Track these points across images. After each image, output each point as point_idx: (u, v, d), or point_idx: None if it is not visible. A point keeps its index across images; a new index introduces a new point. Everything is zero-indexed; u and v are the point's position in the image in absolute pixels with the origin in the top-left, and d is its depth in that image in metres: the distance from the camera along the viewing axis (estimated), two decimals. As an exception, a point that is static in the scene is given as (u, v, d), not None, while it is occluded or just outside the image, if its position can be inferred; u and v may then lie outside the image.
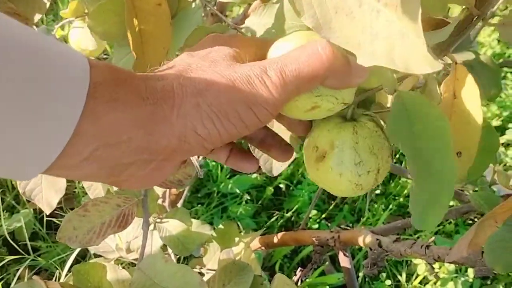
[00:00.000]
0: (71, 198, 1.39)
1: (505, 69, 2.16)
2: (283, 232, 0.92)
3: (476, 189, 0.81)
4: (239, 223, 1.48)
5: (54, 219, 1.35)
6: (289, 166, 1.53)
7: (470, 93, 0.44)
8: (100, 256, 0.91)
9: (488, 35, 2.03)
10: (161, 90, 0.30)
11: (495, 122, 1.88)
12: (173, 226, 0.72)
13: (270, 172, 0.52)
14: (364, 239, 0.77)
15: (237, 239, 0.88)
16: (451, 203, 1.36)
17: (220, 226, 0.90)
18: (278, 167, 0.52)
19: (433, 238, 0.62)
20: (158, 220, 0.73)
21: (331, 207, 1.58)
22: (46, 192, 0.67)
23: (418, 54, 0.27)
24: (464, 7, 0.45)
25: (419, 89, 0.48)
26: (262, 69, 0.31)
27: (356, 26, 0.30)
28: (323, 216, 1.57)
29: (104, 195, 0.81)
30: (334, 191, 0.39)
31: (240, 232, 1.43)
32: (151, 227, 0.73)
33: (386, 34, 0.29)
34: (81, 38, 0.89)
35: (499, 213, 0.55)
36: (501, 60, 1.81)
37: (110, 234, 0.55)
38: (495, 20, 0.47)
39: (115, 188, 0.79)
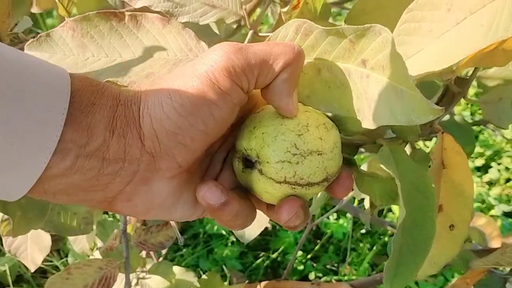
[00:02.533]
0: (57, 240, 1.39)
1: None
2: (266, 282, 0.93)
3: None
4: (225, 264, 1.49)
5: (39, 263, 1.34)
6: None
7: (460, 163, 0.44)
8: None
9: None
10: (132, 93, 0.31)
11: (478, 161, 1.92)
12: (156, 283, 0.73)
13: (243, 238, 0.54)
14: (344, 292, 0.79)
15: (220, 290, 0.90)
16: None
17: (204, 276, 0.91)
18: (251, 233, 0.54)
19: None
20: (141, 275, 0.74)
21: (316, 247, 1.59)
22: (31, 250, 0.69)
23: (418, 106, 0.27)
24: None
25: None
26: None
27: (350, 95, 0.32)
28: (309, 256, 1.58)
29: (88, 247, 0.82)
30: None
31: (225, 276, 1.44)
32: (134, 281, 0.74)
33: (381, 95, 0.29)
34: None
35: (471, 276, 0.58)
36: (476, 118, 1.86)
37: (92, 297, 0.57)
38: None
39: (99, 244, 0.80)
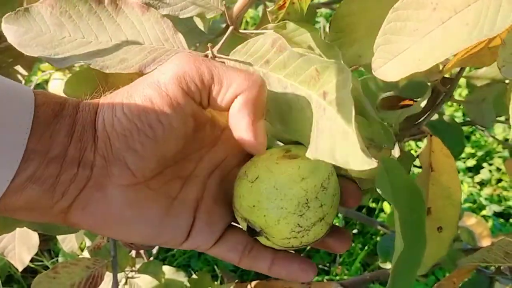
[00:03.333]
0: (47, 240, 1.39)
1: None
2: (257, 281, 0.93)
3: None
4: (216, 264, 1.48)
5: (29, 263, 1.34)
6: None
7: (447, 166, 0.44)
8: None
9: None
10: (90, 101, 0.32)
11: (470, 162, 1.93)
12: (145, 282, 0.73)
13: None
14: (333, 292, 0.79)
15: (210, 289, 0.89)
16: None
17: (194, 276, 0.91)
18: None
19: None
20: (130, 275, 0.74)
21: (308, 247, 1.59)
22: (19, 250, 0.68)
23: (355, 153, 0.28)
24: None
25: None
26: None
27: (307, 122, 0.32)
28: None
29: (77, 247, 0.82)
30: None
31: (217, 276, 1.44)
32: (123, 281, 0.74)
33: (329, 132, 0.30)
34: (60, 90, 0.91)
35: (457, 276, 0.58)
36: (468, 119, 1.87)
37: (79, 296, 0.56)
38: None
39: (87, 243, 0.80)
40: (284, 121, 0.34)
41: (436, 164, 0.44)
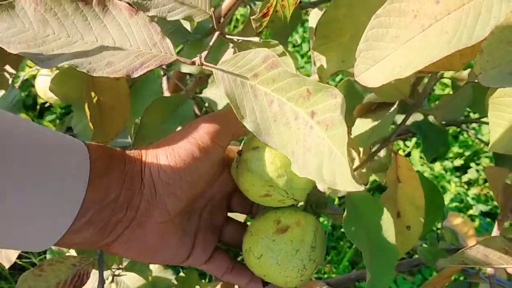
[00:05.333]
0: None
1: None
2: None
3: (424, 244, 0.85)
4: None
5: (17, 260, 1.33)
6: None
7: (411, 178, 0.51)
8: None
9: (441, 89, 2.09)
10: (133, 154, 0.38)
11: (457, 162, 1.94)
12: (131, 280, 0.73)
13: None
14: (319, 291, 0.80)
15: (198, 287, 0.89)
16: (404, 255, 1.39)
17: (181, 274, 0.91)
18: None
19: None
20: (117, 273, 0.74)
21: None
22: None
23: (343, 174, 0.29)
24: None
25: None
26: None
27: (291, 136, 0.33)
28: (289, 254, 1.58)
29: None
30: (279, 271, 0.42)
31: (203, 274, 1.44)
32: (110, 279, 0.74)
33: (316, 150, 0.31)
34: (47, 87, 0.91)
35: (438, 281, 0.59)
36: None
37: (65, 294, 0.56)
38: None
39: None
40: (268, 133, 0.34)
41: (402, 177, 0.52)
